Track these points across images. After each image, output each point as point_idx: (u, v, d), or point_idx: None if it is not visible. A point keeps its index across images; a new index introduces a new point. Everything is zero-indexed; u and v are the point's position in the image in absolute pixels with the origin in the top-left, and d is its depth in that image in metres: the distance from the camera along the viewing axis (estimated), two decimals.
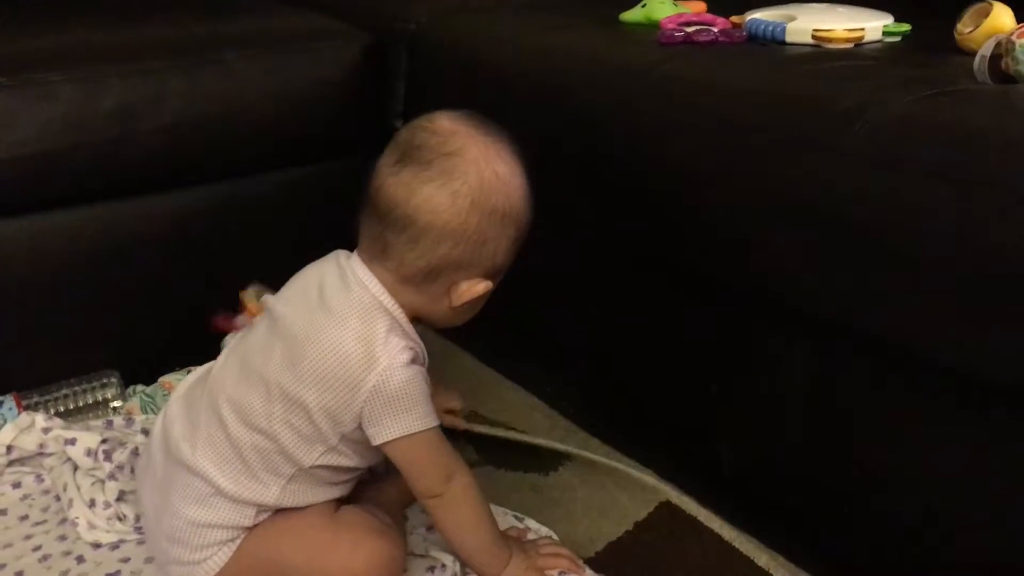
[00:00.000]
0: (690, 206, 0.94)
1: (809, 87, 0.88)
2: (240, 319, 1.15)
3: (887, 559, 0.87)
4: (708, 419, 1.03)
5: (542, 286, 1.13)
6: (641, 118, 0.98)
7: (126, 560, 0.92)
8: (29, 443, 1.03)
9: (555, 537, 0.95)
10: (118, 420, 1.09)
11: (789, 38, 1.04)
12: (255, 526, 0.82)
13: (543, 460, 1.09)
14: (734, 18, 1.12)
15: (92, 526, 0.95)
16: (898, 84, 0.84)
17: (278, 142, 1.25)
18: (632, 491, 1.03)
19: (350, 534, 0.83)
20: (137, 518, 0.95)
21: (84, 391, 1.14)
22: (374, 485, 0.93)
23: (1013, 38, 0.84)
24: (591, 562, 0.93)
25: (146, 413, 1.12)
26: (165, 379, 1.18)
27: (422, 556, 0.92)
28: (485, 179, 0.78)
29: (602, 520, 0.99)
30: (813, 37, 1.03)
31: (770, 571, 0.92)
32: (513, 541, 0.90)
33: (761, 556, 0.94)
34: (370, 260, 0.81)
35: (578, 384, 1.20)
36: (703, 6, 1.21)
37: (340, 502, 0.87)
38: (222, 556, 0.82)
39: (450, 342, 1.28)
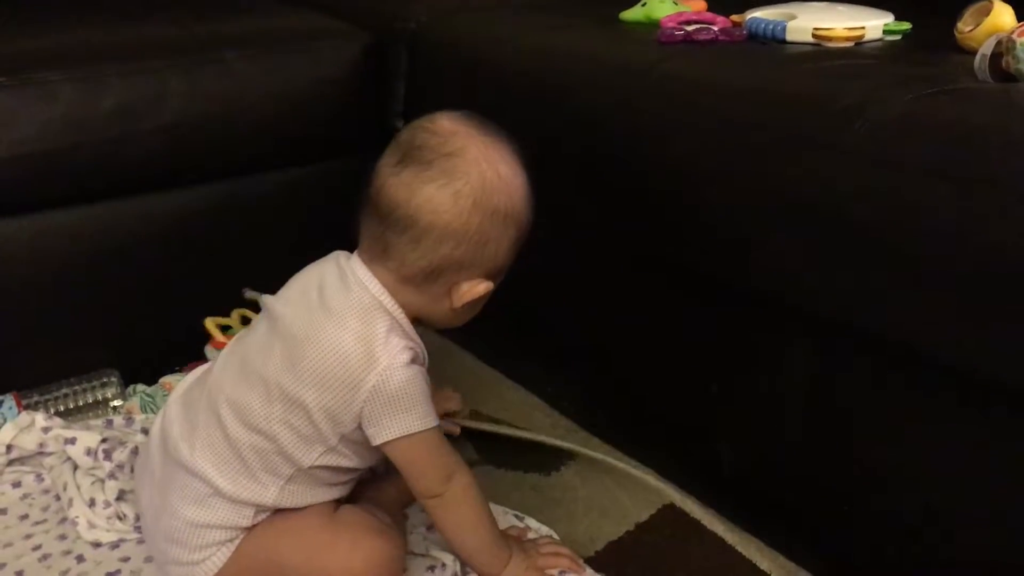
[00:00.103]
0: (690, 205, 0.94)
1: (809, 86, 0.88)
2: (207, 352, 1.15)
3: (887, 558, 0.87)
4: (708, 418, 1.02)
5: (542, 286, 1.13)
6: (641, 117, 0.98)
7: (126, 559, 0.92)
8: (29, 442, 1.03)
9: (555, 536, 0.95)
10: (118, 419, 1.09)
11: (789, 37, 1.04)
12: (253, 526, 0.82)
13: (544, 460, 1.09)
14: (734, 17, 1.12)
15: (92, 525, 0.95)
16: (898, 82, 0.84)
17: (278, 142, 1.25)
18: (635, 492, 1.03)
19: (349, 534, 0.83)
20: (137, 517, 0.95)
21: (84, 390, 1.14)
22: (374, 485, 0.93)
23: (1014, 36, 0.84)
24: (591, 561, 0.93)
25: (146, 412, 1.12)
26: (165, 379, 1.18)
27: (422, 555, 0.92)
28: (487, 179, 0.78)
29: (603, 520, 0.99)
30: (813, 36, 1.02)
31: (772, 575, 0.92)
32: (513, 540, 0.90)
33: (764, 559, 0.94)
34: (371, 261, 0.81)
35: (578, 383, 1.20)
36: (703, 5, 1.21)
37: (339, 502, 0.87)
38: (221, 556, 0.81)
39: (450, 341, 1.28)
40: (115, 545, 0.94)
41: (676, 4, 1.19)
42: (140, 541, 0.94)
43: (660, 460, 1.07)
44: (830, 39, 1.02)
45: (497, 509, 0.94)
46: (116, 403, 1.15)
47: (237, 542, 0.82)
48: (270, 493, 0.81)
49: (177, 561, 0.82)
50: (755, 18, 1.08)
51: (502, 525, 0.91)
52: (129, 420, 1.10)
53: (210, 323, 1.15)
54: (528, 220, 0.82)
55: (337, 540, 0.82)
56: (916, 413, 0.83)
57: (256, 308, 1.18)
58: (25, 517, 0.98)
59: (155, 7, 1.38)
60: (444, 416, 1.02)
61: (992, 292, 0.71)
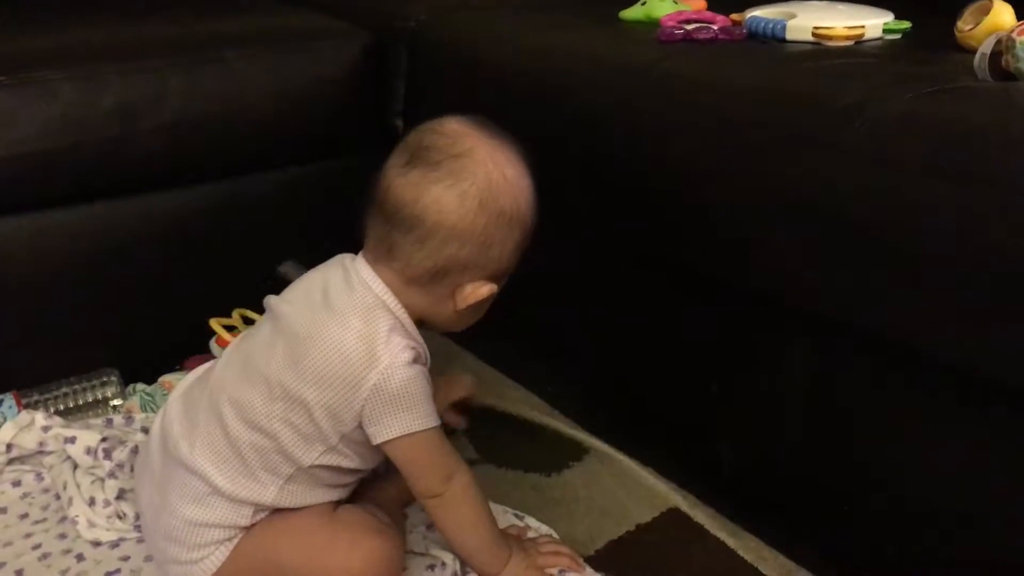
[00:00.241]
0: (690, 204, 0.94)
1: (809, 85, 0.88)
2: (212, 348, 1.16)
3: (887, 557, 0.87)
4: (708, 417, 1.02)
5: (543, 285, 1.13)
6: (641, 116, 0.98)
7: (126, 558, 0.92)
8: (29, 441, 1.03)
9: (555, 535, 0.95)
10: (118, 418, 1.09)
11: (789, 36, 1.04)
12: (252, 526, 0.82)
13: (546, 460, 1.08)
14: (734, 16, 1.12)
15: (92, 524, 0.95)
16: (898, 81, 0.84)
17: (278, 141, 1.25)
18: (638, 495, 1.03)
19: (348, 533, 0.83)
20: (137, 516, 0.95)
21: (84, 389, 1.14)
22: (374, 484, 0.93)
23: (1013, 35, 0.84)
24: (591, 561, 0.93)
25: (146, 411, 1.12)
26: (165, 378, 1.18)
27: (422, 554, 0.92)
28: (493, 181, 0.79)
29: (603, 520, 0.99)
30: (813, 35, 1.02)
31: (773, 574, 0.92)
32: (513, 539, 0.90)
33: (764, 559, 0.94)
34: (375, 261, 0.81)
35: (579, 383, 1.20)
36: (703, 4, 1.21)
37: (339, 501, 0.87)
38: (219, 556, 0.81)
39: (450, 341, 1.28)
40: (115, 544, 0.94)
41: (676, 3, 1.19)
42: (140, 540, 0.94)
43: (660, 459, 1.07)
44: (830, 38, 1.02)
45: (497, 508, 0.94)
46: (116, 402, 1.15)
47: (235, 541, 0.82)
48: (269, 492, 0.81)
49: (175, 560, 0.82)
50: (755, 17, 1.08)
51: (502, 524, 0.91)
52: (129, 419, 1.09)
53: (214, 323, 1.15)
54: (532, 224, 0.83)
55: (336, 540, 0.82)
56: (916, 413, 0.83)
57: (270, 290, 1.18)
58: (25, 516, 0.98)
59: (155, 6, 1.38)
60: (457, 403, 1.00)
61: (992, 291, 0.71)
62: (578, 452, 1.11)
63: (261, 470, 0.81)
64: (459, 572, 0.89)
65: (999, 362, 0.73)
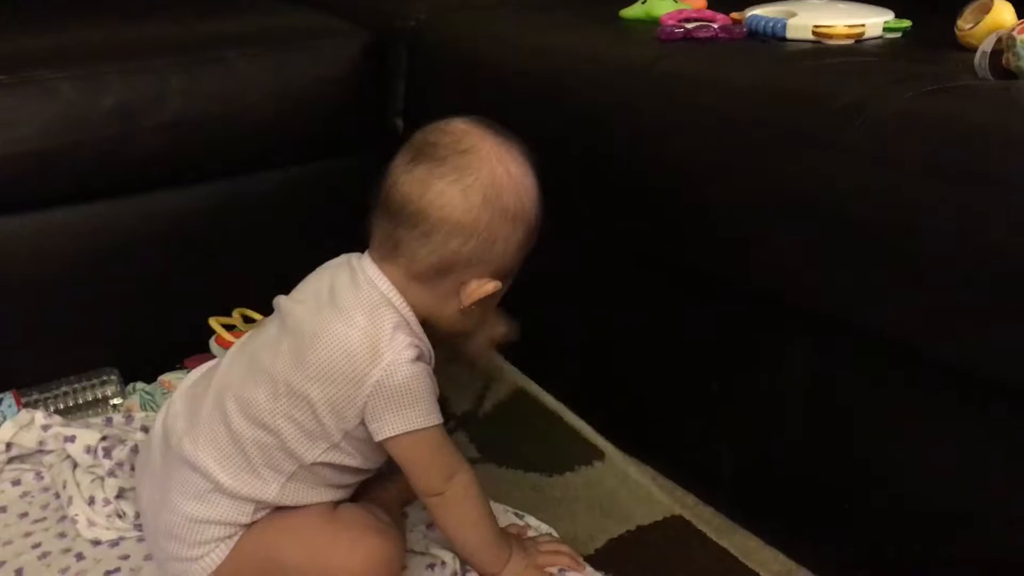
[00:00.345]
0: (690, 203, 0.94)
1: (809, 83, 0.88)
2: (212, 347, 1.16)
3: (887, 556, 0.87)
4: (708, 417, 1.02)
5: (542, 285, 1.13)
6: (641, 115, 0.97)
7: (125, 557, 0.92)
8: (29, 440, 1.03)
9: (555, 534, 0.95)
10: (117, 418, 1.09)
11: (789, 34, 1.04)
12: (253, 524, 0.82)
13: (548, 460, 1.08)
14: (734, 14, 1.12)
15: (92, 523, 0.95)
16: (898, 80, 0.84)
17: (278, 140, 1.25)
18: (638, 495, 1.03)
19: (349, 532, 0.83)
20: (137, 515, 0.95)
21: (84, 388, 1.14)
22: (374, 483, 0.93)
23: (1014, 34, 0.84)
24: (591, 560, 0.93)
25: (146, 410, 1.12)
26: (165, 377, 1.18)
27: (422, 554, 0.92)
28: (497, 177, 0.79)
29: (604, 519, 0.99)
30: (813, 33, 1.02)
31: (772, 574, 0.92)
32: (513, 539, 0.90)
33: (764, 558, 0.93)
34: (381, 259, 0.82)
35: (579, 382, 1.20)
36: (703, 2, 1.21)
37: (338, 502, 0.86)
38: (219, 553, 0.82)
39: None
40: (115, 543, 0.94)
41: (676, 2, 1.19)
42: (140, 539, 0.94)
43: (660, 459, 1.07)
44: (830, 36, 1.02)
45: (497, 507, 0.94)
46: (116, 401, 1.15)
47: (236, 539, 0.82)
48: (271, 490, 0.81)
49: (176, 557, 0.82)
50: (755, 15, 1.07)
51: (502, 523, 0.91)
52: (129, 418, 1.10)
53: (214, 322, 1.15)
54: (537, 223, 0.83)
55: (337, 538, 0.82)
56: (916, 412, 0.83)
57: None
58: (25, 515, 0.98)
59: (155, 6, 1.38)
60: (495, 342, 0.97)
61: (992, 290, 0.71)
62: (578, 452, 1.10)
63: (264, 467, 0.81)
64: (459, 571, 0.89)
65: (999, 361, 0.72)
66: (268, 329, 0.86)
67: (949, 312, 0.74)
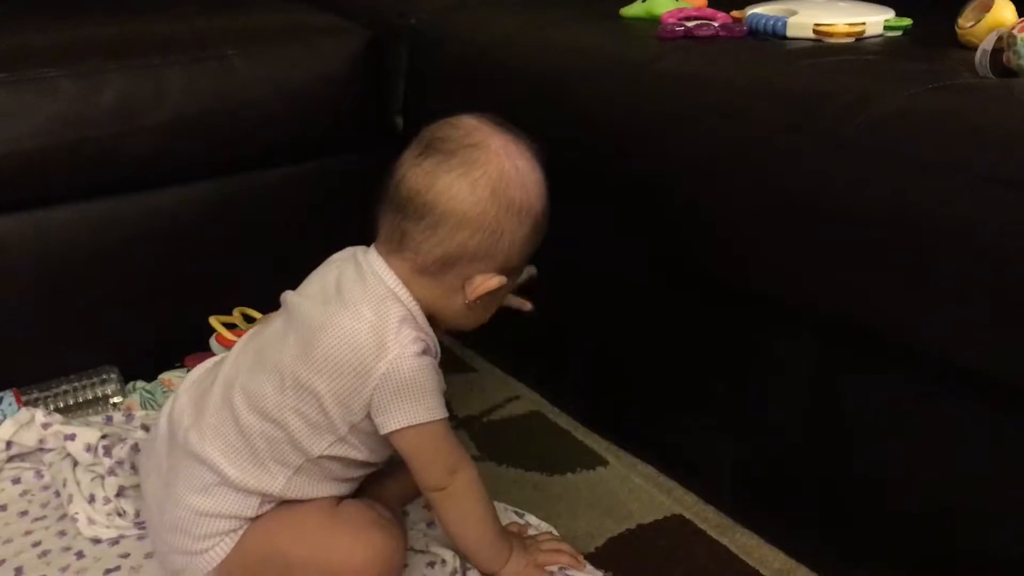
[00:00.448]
0: (689, 202, 0.94)
1: (810, 82, 0.88)
2: (212, 345, 1.16)
3: (888, 555, 0.87)
4: (709, 416, 1.02)
5: (542, 283, 1.13)
6: (640, 114, 0.97)
7: (126, 555, 0.92)
8: (29, 439, 1.03)
9: (555, 533, 0.95)
10: (118, 416, 1.09)
11: (790, 33, 1.04)
12: (257, 518, 0.82)
13: (548, 458, 1.08)
14: (735, 13, 1.12)
15: (92, 522, 0.95)
16: (899, 78, 0.84)
17: (278, 138, 1.25)
18: (638, 493, 1.03)
19: (351, 528, 0.83)
20: (137, 513, 0.95)
21: (84, 387, 1.14)
22: (375, 480, 0.93)
23: (1014, 32, 0.84)
24: (591, 558, 0.93)
25: (146, 409, 1.12)
26: (165, 376, 1.18)
27: (422, 552, 0.92)
28: (505, 171, 0.80)
29: (604, 518, 0.99)
30: (814, 32, 1.02)
31: (773, 572, 0.92)
32: (514, 537, 0.90)
33: (764, 557, 0.94)
34: (388, 253, 0.82)
35: (579, 381, 1.20)
36: (703, 1, 1.21)
37: (341, 497, 0.87)
38: (224, 547, 0.82)
39: (451, 338, 1.28)
40: (115, 541, 0.94)
41: (676, 0, 1.19)
42: (140, 537, 0.94)
43: (661, 458, 1.07)
44: (831, 35, 1.02)
45: (497, 505, 0.93)
46: (116, 400, 1.15)
47: (240, 533, 0.82)
48: (277, 483, 0.82)
49: (181, 550, 0.83)
50: (756, 14, 1.07)
51: (502, 521, 0.91)
52: (129, 416, 1.10)
53: (214, 320, 1.16)
54: (544, 219, 0.83)
55: (339, 534, 0.82)
56: (916, 411, 0.83)
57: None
58: (25, 513, 0.98)
59: (156, 3, 1.37)
60: (521, 287, 0.94)
61: (994, 289, 0.71)
62: (579, 451, 1.11)
63: (270, 460, 0.81)
64: (459, 569, 0.89)
65: (999, 360, 0.72)
66: (275, 324, 0.86)
67: (950, 311, 0.74)
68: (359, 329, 0.79)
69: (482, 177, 0.79)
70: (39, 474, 1.03)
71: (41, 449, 1.04)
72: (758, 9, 1.09)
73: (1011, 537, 0.77)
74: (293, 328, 0.83)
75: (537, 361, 1.25)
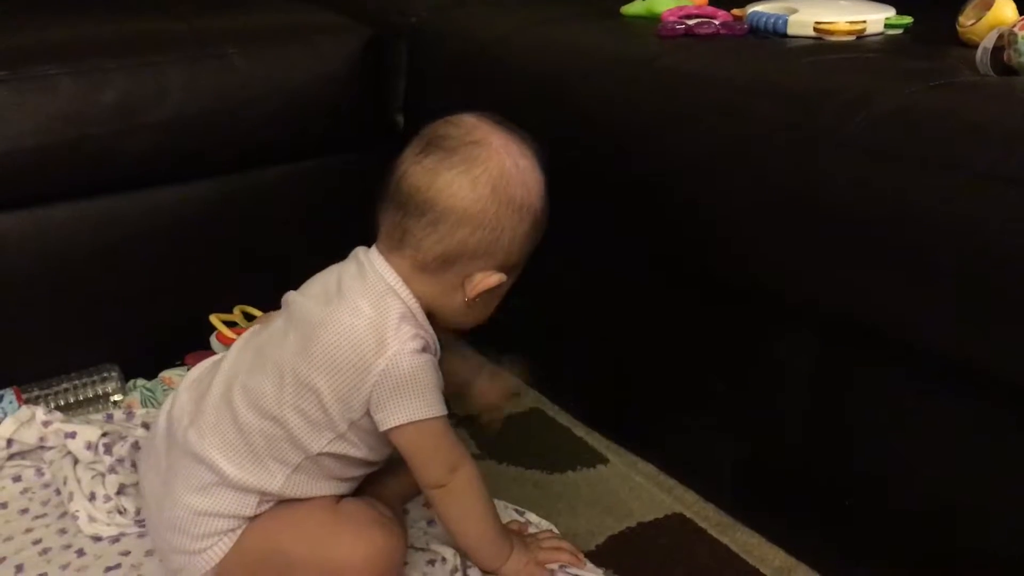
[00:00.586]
0: (689, 200, 0.94)
1: (810, 79, 0.88)
2: (213, 343, 1.16)
3: (888, 554, 0.87)
4: (710, 414, 1.02)
5: (542, 281, 1.13)
6: (641, 112, 0.97)
7: (126, 553, 0.92)
8: (29, 437, 1.03)
9: (556, 531, 0.95)
10: (118, 414, 1.09)
11: (791, 31, 1.04)
12: (256, 517, 0.82)
13: (548, 457, 1.08)
14: (735, 11, 1.12)
15: (92, 519, 0.95)
16: (900, 76, 0.84)
17: (278, 136, 1.25)
18: (639, 492, 1.03)
19: (351, 526, 0.83)
20: (138, 511, 0.95)
21: (84, 385, 1.14)
22: (376, 479, 0.93)
23: (1015, 30, 0.84)
24: (592, 556, 0.93)
25: (146, 407, 1.12)
26: (165, 374, 1.18)
27: (423, 550, 0.92)
28: (506, 168, 0.80)
29: (605, 516, 0.99)
30: (815, 30, 1.02)
31: (773, 571, 0.92)
32: (514, 535, 0.90)
33: (764, 555, 0.94)
34: (388, 252, 0.82)
35: (579, 379, 1.20)
36: None
37: (341, 496, 0.87)
38: (223, 546, 0.82)
39: (451, 336, 1.27)
40: (115, 539, 0.94)
41: None
42: (140, 535, 0.94)
43: (662, 456, 1.07)
44: (831, 33, 1.02)
45: (498, 503, 0.93)
46: (116, 397, 1.15)
47: (239, 532, 0.82)
48: (276, 481, 0.82)
49: (179, 550, 0.83)
50: (756, 12, 1.07)
51: (502, 519, 0.91)
52: (129, 414, 1.10)
53: (215, 319, 1.16)
54: (543, 217, 0.83)
55: (339, 532, 0.82)
56: (917, 409, 0.82)
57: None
58: (25, 511, 0.98)
59: (156, 2, 1.37)
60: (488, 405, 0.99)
61: (994, 287, 0.71)
62: (580, 449, 1.11)
63: (269, 458, 0.81)
64: (460, 567, 0.89)
65: (1000, 358, 0.72)
66: (275, 322, 0.86)
67: (950, 309, 0.74)
68: (358, 325, 0.79)
69: (483, 174, 0.79)
70: (40, 472, 1.03)
71: (42, 447, 1.04)
72: (759, 7, 1.09)
73: (1011, 535, 0.77)
74: (294, 326, 0.83)
75: (538, 360, 1.25)
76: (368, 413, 0.80)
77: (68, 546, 0.93)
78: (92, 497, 0.96)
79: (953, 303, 0.74)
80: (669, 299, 1.05)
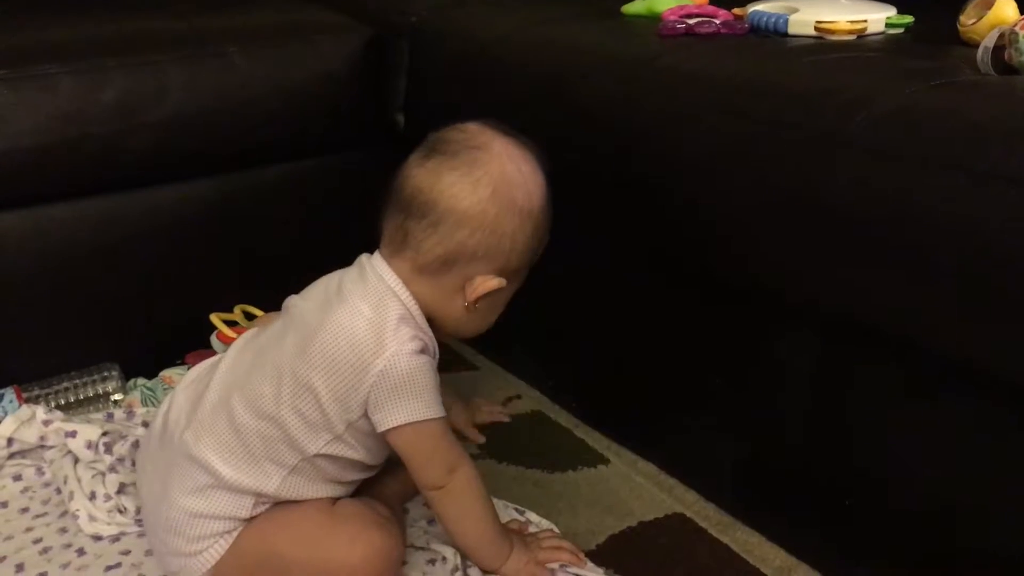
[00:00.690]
0: (690, 200, 0.94)
1: (811, 79, 0.88)
2: (213, 343, 1.16)
3: (888, 553, 0.87)
4: (710, 414, 1.02)
5: (543, 282, 1.13)
6: (641, 111, 0.97)
7: (127, 552, 0.92)
8: (30, 436, 1.03)
9: (556, 530, 0.95)
10: (118, 413, 1.09)
11: (791, 30, 1.04)
12: (252, 519, 0.82)
13: (549, 456, 1.08)
14: (736, 10, 1.12)
15: (93, 519, 0.95)
16: (901, 76, 0.84)
17: (279, 136, 1.25)
18: (640, 491, 1.03)
19: (348, 527, 0.83)
20: (138, 510, 0.95)
21: (85, 384, 1.14)
22: (375, 479, 0.93)
23: (1016, 29, 0.84)
24: (592, 555, 0.93)
25: (147, 406, 1.12)
26: (166, 373, 1.18)
27: (423, 549, 0.92)
28: (507, 172, 0.80)
29: (605, 515, 0.99)
30: (816, 29, 1.02)
31: (773, 570, 0.92)
32: (514, 534, 0.90)
33: (764, 554, 0.94)
34: (390, 255, 0.83)
35: (580, 379, 1.20)
36: None
37: (338, 498, 0.87)
38: (219, 548, 0.82)
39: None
40: (116, 538, 0.94)
41: None
42: (141, 534, 0.94)
43: (662, 456, 1.07)
44: (832, 32, 1.02)
45: (498, 503, 0.94)
46: (117, 397, 1.15)
47: (236, 534, 0.82)
48: (272, 482, 0.82)
49: (176, 552, 0.83)
50: (757, 11, 1.07)
51: (502, 519, 0.91)
52: (130, 414, 1.10)
53: (215, 318, 1.16)
54: (545, 224, 0.84)
55: (337, 533, 0.82)
56: (918, 408, 0.82)
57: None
58: (26, 510, 0.98)
59: (156, 1, 1.37)
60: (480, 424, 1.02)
61: (994, 287, 0.71)
62: (580, 448, 1.11)
63: (266, 460, 0.81)
64: (460, 567, 0.89)
65: (1000, 357, 0.72)
66: (274, 325, 0.87)
67: (951, 309, 0.74)
68: (357, 325, 0.79)
69: (484, 177, 0.79)
70: (40, 471, 1.03)
71: (42, 446, 1.04)
72: (760, 6, 1.09)
73: (1012, 534, 0.77)
74: (293, 328, 0.83)
75: (538, 359, 1.25)
76: (366, 414, 0.80)
77: (68, 545, 0.93)
78: (92, 496, 0.96)
79: (954, 303, 0.74)
80: (669, 299, 1.05)
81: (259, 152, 1.25)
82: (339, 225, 1.25)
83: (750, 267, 0.90)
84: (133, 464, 0.99)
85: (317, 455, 0.82)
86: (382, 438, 0.82)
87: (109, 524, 0.95)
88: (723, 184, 0.90)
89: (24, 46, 1.14)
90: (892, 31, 1.05)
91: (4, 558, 0.91)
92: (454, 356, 1.27)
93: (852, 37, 1.02)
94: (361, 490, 0.90)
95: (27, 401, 1.10)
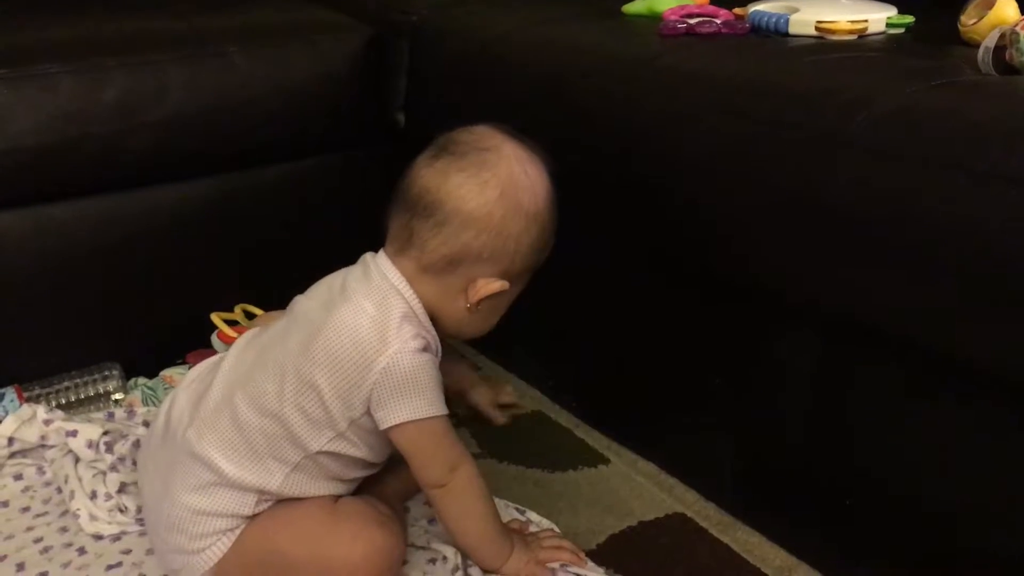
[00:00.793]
0: (690, 199, 0.94)
1: (812, 79, 0.88)
2: (214, 342, 1.16)
3: (888, 553, 0.87)
4: (711, 414, 1.02)
5: (543, 282, 1.13)
6: (642, 110, 0.97)
7: (127, 552, 0.92)
8: (31, 435, 1.04)
9: (557, 530, 0.95)
10: (119, 412, 1.09)
11: (792, 30, 1.04)
12: (255, 516, 0.82)
13: (549, 456, 1.08)
14: (737, 10, 1.12)
15: (94, 518, 0.95)
16: (901, 75, 0.84)
17: (279, 135, 1.25)
18: (640, 491, 1.03)
19: (350, 525, 0.83)
20: (139, 510, 0.96)
21: (85, 383, 1.14)
22: (376, 477, 0.93)
23: (1017, 29, 0.84)
24: (593, 555, 0.93)
25: (147, 405, 1.12)
26: (166, 372, 1.18)
27: (423, 548, 0.92)
28: (515, 174, 0.81)
29: (606, 515, 0.99)
30: (816, 29, 1.02)
31: (773, 570, 0.92)
32: (515, 534, 0.90)
33: (765, 554, 0.94)
34: (395, 254, 0.83)
35: (580, 379, 1.20)
36: None
37: (339, 496, 0.87)
38: (222, 546, 0.82)
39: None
40: (116, 538, 0.94)
41: None
42: (142, 534, 0.94)
43: (662, 455, 1.07)
44: (833, 32, 1.02)
45: (499, 502, 0.94)
46: (117, 396, 1.15)
47: (238, 532, 0.82)
48: (275, 480, 0.82)
49: (178, 549, 0.83)
50: (758, 11, 1.07)
51: (503, 518, 0.91)
52: (130, 413, 1.10)
53: (216, 317, 1.16)
54: (551, 228, 0.84)
55: (338, 531, 0.82)
56: (918, 408, 0.83)
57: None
58: (27, 509, 0.98)
59: (156, 0, 1.37)
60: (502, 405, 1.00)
61: (995, 287, 0.71)
62: (580, 448, 1.11)
63: (268, 457, 0.82)
64: (460, 566, 0.89)
65: (1001, 357, 0.72)
66: (277, 323, 0.87)
67: (952, 309, 0.74)
68: (360, 323, 0.80)
69: (491, 178, 0.80)
70: (41, 470, 1.03)
71: (43, 445, 1.04)
72: (760, 6, 1.09)
73: (1012, 534, 0.77)
74: (296, 326, 0.83)
75: (539, 359, 1.25)
76: (368, 412, 0.81)
77: (69, 544, 0.93)
78: (93, 495, 0.97)
79: (954, 303, 0.74)
80: (670, 299, 1.05)
81: (259, 152, 1.25)
82: (339, 225, 1.25)
83: (751, 267, 0.90)
84: (134, 463, 0.99)
85: (320, 452, 0.82)
86: (384, 436, 0.82)
87: (110, 523, 0.95)
88: (723, 184, 0.90)
89: (24, 46, 1.14)
90: (893, 31, 1.05)
91: (5, 557, 0.91)
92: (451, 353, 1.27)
93: (853, 37, 1.02)
94: (362, 488, 0.90)
95: (28, 400, 1.10)
